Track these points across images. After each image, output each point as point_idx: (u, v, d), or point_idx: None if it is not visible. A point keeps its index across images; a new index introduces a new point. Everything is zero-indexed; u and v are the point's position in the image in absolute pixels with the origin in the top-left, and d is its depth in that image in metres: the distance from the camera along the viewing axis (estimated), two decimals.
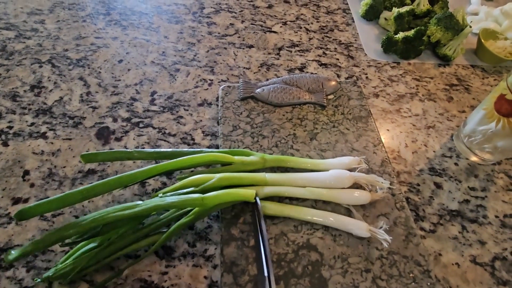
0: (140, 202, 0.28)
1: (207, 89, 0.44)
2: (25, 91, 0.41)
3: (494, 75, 0.52)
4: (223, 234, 0.30)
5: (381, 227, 0.29)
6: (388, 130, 0.42)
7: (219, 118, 0.38)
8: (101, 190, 0.29)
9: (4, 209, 0.31)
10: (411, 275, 0.28)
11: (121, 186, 0.30)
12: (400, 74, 0.50)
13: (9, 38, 0.47)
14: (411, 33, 0.50)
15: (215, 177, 0.30)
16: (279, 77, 0.46)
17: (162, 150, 0.33)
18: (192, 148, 0.38)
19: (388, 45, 0.51)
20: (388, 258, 0.29)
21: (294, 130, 0.38)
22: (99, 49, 0.47)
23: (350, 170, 0.33)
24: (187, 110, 0.42)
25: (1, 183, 0.33)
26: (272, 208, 0.30)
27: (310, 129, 0.38)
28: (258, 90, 0.41)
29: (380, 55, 0.52)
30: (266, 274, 0.24)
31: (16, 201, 0.32)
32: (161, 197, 0.29)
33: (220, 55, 0.49)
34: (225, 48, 0.50)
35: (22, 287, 0.27)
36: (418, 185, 0.37)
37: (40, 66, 0.44)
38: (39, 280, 0.27)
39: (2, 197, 0.32)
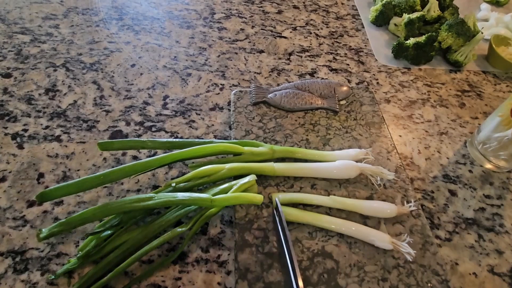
0: (154, 195, 0.29)
1: (219, 93, 0.44)
2: (40, 94, 0.41)
3: (507, 81, 0.51)
4: (237, 240, 0.29)
5: (404, 240, 0.29)
6: (400, 136, 0.42)
7: (232, 122, 0.39)
8: (117, 176, 0.30)
9: (19, 211, 0.32)
10: (429, 285, 0.28)
11: (136, 172, 0.31)
12: (411, 80, 0.50)
13: (24, 42, 0.47)
14: (422, 39, 0.50)
15: (225, 168, 0.31)
16: (290, 82, 0.46)
17: (174, 140, 0.35)
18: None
19: (399, 51, 0.51)
20: (405, 267, 0.29)
21: (307, 135, 0.38)
22: (112, 53, 0.48)
23: (357, 162, 0.33)
24: (199, 114, 0.42)
25: (16, 186, 0.33)
26: (293, 214, 0.30)
27: (323, 135, 0.38)
28: (270, 95, 0.41)
29: (390, 61, 0.52)
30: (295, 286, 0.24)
31: (31, 204, 0.32)
32: (173, 186, 0.30)
33: (231, 60, 0.49)
34: (236, 53, 0.50)
35: None
36: (433, 192, 0.37)
37: (55, 70, 0.44)
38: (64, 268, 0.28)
39: (17, 199, 0.32)
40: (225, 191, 0.30)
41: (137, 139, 0.37)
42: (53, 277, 0.28)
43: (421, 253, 0.29)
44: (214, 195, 0.30)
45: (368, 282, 0.28)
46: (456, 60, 0.51)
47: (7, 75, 0.43)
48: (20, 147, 0.36)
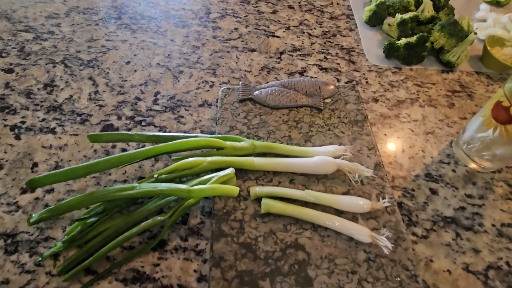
0: (136, 184, 0.30)
1: (208, 90, 0.46)
2: (38, 89, 0.44)
3: (500, 82, 0.51)
4: (214, 230, 0.31)
5: (383, 234, 0.29)
6: (385, 135, 0.43)
7: (217, 118, 0.40)
8: (103, 166, 0.32)
9: (13, 197, 0.34)
10: (397, 279, 0.28)
11: (122, 164, 0.33)
12: (401, 80, 0.50)
13: (27, 40, 0.50)
14: (413, 39, 0.50)
15: (206, 161, 0.33)
16: (279, 80, 0.47)
17: (160, 133, 0.36)
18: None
19: (390, 51, 0.51)
20: (375, 261, 0.29)
21: (290, 132, 0.39)
22: (109, 51, 0.50)
23: (336, 158, 0.34)
24: (188, 110, 0.43)
25: (11, 174, 0.35)
26: (276, 206, 0.31)
27: (305, 132, 0.39)
28: (256, 92, 0.42)
29: (381, 61, 0.52)
30: None
31: (24, 191, 0.34)
32: (156, 177, 0.32)
33: (223, 58, 0.50)
34: (228, 52, 0.51)
35: (24, 271, 0.29)
36: (413, 190, 0.37)
37: (54, 66, 0.47)
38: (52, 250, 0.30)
39: (12, 186, 0.34)
40: (204, 183, 0.32)
41: (125, 132, 0.38)
42: (40, 259, 0.30)
43: (392, 248, 0.30)
44: (193, 186, 0.31)
45: (338, 274, 0.28)
46: (448, 61, 0.51)
47: (10, 71, 0.46)
48: (17, 138, 0.38)
